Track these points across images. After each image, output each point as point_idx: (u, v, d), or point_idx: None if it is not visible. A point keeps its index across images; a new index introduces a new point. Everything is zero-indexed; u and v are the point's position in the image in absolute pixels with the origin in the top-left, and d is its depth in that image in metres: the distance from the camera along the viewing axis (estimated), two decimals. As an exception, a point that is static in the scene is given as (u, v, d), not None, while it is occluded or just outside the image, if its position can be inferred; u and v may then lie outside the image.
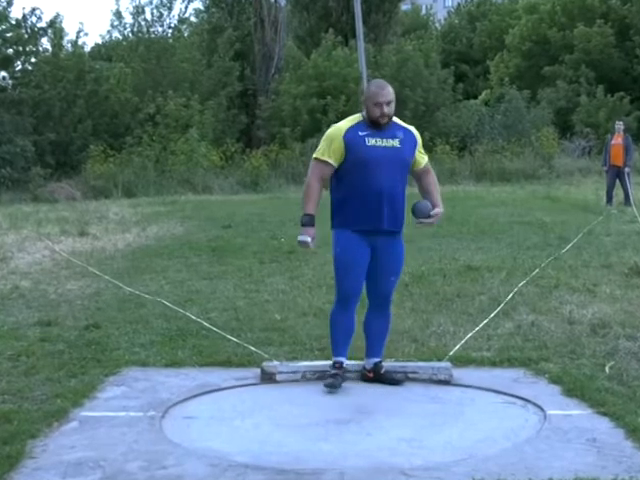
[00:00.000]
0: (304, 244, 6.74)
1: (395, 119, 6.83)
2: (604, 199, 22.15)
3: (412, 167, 6.90)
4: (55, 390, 6.75)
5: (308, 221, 6.71)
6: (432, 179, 7.04)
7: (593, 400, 6.36)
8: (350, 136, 6.66)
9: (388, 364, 7.19)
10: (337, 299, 6.97)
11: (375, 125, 6.68)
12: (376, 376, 6.98)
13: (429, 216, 6.79)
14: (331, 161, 6.68)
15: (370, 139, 6.66)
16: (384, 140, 6.68)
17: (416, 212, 6.79)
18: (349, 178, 6.70)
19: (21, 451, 5.38)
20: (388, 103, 6.64)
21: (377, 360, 7.03)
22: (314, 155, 6.82)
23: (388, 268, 6.85)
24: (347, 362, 7.01)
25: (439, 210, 6.85)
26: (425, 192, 7.00)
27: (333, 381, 6.82)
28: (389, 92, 6.69)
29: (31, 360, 7.68)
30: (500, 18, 56.16)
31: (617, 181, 22.21)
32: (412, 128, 6.96)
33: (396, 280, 7.03)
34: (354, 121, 6.79)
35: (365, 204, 6.65)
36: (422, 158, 6.98)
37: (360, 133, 6.67)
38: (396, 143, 6.71)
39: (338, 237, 6.82)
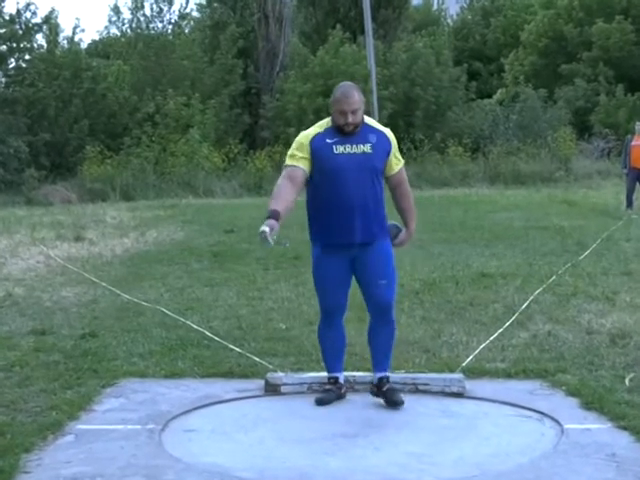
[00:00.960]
0: (262, 235, 6.05)
1: (368, 120, 6.72)
2: (624, 203, 22.12)
3: (385, 173, 6.70)
4: (50, 402, 6.76)
5: (271, 214, 6.20)
6: (405, 191, 6.85)
7: (612, 413, 6.35)
8: (317, 144, 6.51)
9: (398, 376, 7.18)
10: (320, 314, 6.96)
11: (342, 132, 6.52)
12: (379, 392, 6.82)
13: (395, 237, 6.79)
14: (300, 164, 6.48)
15: (338, 146, 6.50)
16: (354, 146, 6.52)
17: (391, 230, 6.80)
18: (319, 190, 6.57)
19: (15, 465, 5.39)
20: (354, 112, 6.46)
21: (381, 375, 6.85)
22: (284, 163, 6.64)
23: (374, 272, 6.65)
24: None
25: (403, 238, 6.82)
26: (398, 209, 6.89)
27: (323, 396, 6.83)
28: (355, 100, 6.49)
29: (25, 371, 7.70)
30: (515, 14, 56.10)
31: (638, 184, 22.17)
32: (387, 131, 6.76)
33: (389, 284, 6.72)
34: (322, 127, 6.63)
35: (336, 218, 6.52)
36: (396, 164, 6.75)
37: (328, 140, 6.52)
38: (367, 148, 6.53)
39: (313, 251, 6.77)
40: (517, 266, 12.94)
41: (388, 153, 6.64)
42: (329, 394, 6.83)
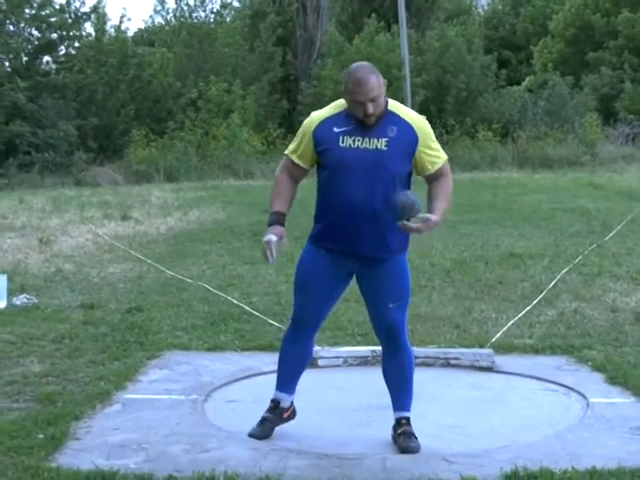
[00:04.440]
0: (268, 244, 5.26)
1: (394, 107, 5.30)
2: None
3: (419, 173, 5.33)
4: (98, 372, 6.81)
5: (273, 220, 5.38)
6: (444, 182, 5.33)
7: (637, 388, 6.33)
8: (321, 132, 5.25)
9: (430, 350, 7.16)
10: (290, 322, 5.76)
11: (359, 121, 5.19)
12: (394, 435, 5.48)
13: (406, 215, 5.02)
14: (299, 162, 5.38)
15: (347, 138, 5.18)
16: (365, 140, 5.16)
17: (399, 203, 5.03)
18: (324, 186, 5.32)
19: (65, 432, 5.43)
20: (373, 100, 5.09)
21: (398, 415, 5.53)
22: (286, 150, 5.55)
23: (383, 294, 5.36)
24: (290, 399, 5.71)
25: (420, 225, 5.04)
26: (429, 197, 5.33)
27: (255, 432, 5.54)
28: (373, 86, 5.10)
29: (75, 343, 7.75)
30: (544, 4, 55.64)
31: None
32: (416, 119, 5.32)
33: (401, 308, 5.41)
34: (338, 109, 5.32)
35: (339, 221, 5.23)
36: (432, 162, 5.30)
37: (336, 129, 5.20)
38: (381, 145, 5.15)
39: (304, 249, 5.55)
40: (544, 246, 12.87)
41: (413, 150, 5.21)
42: (264, 428, 5.56)
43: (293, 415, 5.71)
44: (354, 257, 5.30)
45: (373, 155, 5.15)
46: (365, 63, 5.39)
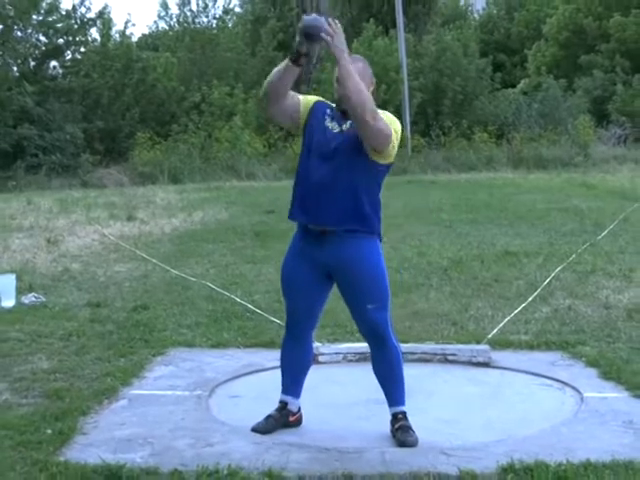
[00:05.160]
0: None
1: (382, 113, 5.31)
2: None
3: (372, 157, 5.25)
4: (105, 369, 6.81)
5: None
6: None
7: (629, 383, 6.32)
8: (318, 108, 5.42)
9: (428, 347, 7.17)
10: (285, 325, 5.83)
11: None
12: (393, 430, 5.46)
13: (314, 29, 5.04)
14: (301, 101, 5.43)
15: (330, 121, 5.35)
16: (338, 125, 5.33)
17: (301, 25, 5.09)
18: (300, 158, 5.43)
19: (73, 427, 5.44)
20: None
21: (395, 410, 5.49)
22: None
23: (360, 295, 5.32)
24: (296, 403, 5.72)
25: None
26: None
27: (259, 426, 5.54)
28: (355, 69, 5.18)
29: (82, 340, 7.76)
30: (538, 8, 55.66)
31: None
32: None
33: (380, 307, 5.34)
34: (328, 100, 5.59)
35: (301, 191, 5.36)
36: (376, 155, 5.27)
37: (328, 111, 5.40)
38: (347, 126, 5.30)
39: (288, 248, 5.65)
40: (539, 245, 12.86)
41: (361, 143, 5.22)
42: (268, 423, 5.55)
43: (298, 422, 5.69)
44: (319, 243, 5.31)
45: (340, 136, 5.26)
46: (359, 56, 5.55)
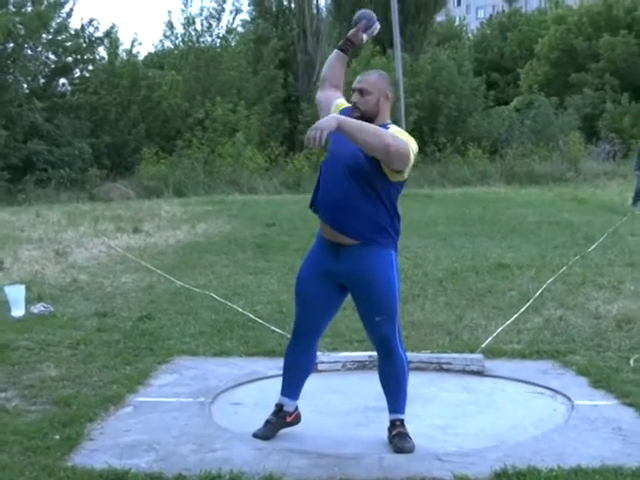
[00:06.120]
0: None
1: (392, 125, 5.24)
2: (629, 200, 21.90)
3: (388, 176, 5.13)
4: (111, 377, 6.80)
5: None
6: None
7: (619, 391, 6.32)
8: (343, 112, 5.28)
9: (424, 356, 7.16)
10: (292, 330, 5.70)
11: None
12: (390, 437, 5.41)
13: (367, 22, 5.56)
14: (335, 101, 5.51)
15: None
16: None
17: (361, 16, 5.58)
18: (326, 158, 5.39)
19: (80, 433, 5.42)
20: (361, 91, 5.20)
21: (393, 417, 5.45)
22: None
23: (369, 307, 5.27)
24: (293, 404, 5.65)
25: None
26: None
27: (259, 432, 5.50)
28: (366, 79, 5.25)
29: (89, 348, 7.74)
30: (530, 28, 55.90)
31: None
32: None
33: (388, 320, 5.28)
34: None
35: (326, 198, 5.24)
36: (393, 174, 5.13)
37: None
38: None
39: (306, 255, 5.57)
40: (531, 257, 12.87)
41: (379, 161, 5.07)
42: (267, 429, 5.51)
43: (297, 420, 5.65)
44: (333, 254, 5.23)
45: (355, 151, 5.08)
46: (380, 70, 5.57)
